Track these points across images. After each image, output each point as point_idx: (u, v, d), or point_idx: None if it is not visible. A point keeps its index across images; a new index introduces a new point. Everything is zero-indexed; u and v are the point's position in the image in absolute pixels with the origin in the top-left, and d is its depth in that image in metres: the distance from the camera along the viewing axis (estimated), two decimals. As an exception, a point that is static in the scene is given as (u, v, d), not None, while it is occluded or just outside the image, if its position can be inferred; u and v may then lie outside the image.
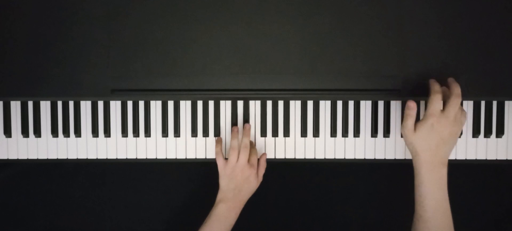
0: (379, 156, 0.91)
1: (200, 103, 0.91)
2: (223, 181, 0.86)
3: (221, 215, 0.84)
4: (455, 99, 0.77)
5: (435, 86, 0.79)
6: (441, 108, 0.78)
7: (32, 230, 1.03)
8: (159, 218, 1.03)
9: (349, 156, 0.91)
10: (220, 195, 0.86)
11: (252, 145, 0.88)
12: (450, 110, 0.77)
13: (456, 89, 0.78)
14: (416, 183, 0.80)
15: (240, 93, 0.85)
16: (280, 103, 0.91)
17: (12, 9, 0.84)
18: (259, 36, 0.84)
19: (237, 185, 0.85)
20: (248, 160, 0.86)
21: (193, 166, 1.02)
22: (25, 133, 0.91)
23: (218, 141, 0.89)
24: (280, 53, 0.84)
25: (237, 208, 0.86)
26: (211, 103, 0.91)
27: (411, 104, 0.80)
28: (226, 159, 0.87)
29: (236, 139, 0.87)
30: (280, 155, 0.91)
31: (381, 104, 0.91)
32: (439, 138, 0.78)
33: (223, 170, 0.86)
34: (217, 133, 0.91)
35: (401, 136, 0.88)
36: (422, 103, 0.89)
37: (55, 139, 0.91)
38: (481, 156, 0.91)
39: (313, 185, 1.03)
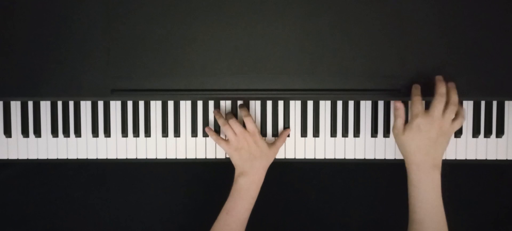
0: (379, 156, 0.91)
1: (200, 103, 0.91)
2: (234, 158, 0.87)
3: (241, 188, 0.84)
4: (438, 98, 0.79)
5: (415, 91, 0.81)
6: (423, 108, 0.80)
7: (32, 230, 1.03)
8: (159, 218, 1.03)
9: (349, 156, 0.91)
10: (237, 171, 0.86)
11: (246, 114, 0.87)
12: (434, 109, 0.78)
13: (440, 89, 0.79)
14: (409, 186, 0.80)
15: (240, 93, 0.85)
16: (280, 103, 0.91)
17: (12, 9, 0.84)
18: (259, 36, 0.84)
19: (248, 155, 0.85)
20: (247, 129, 0.86)
21: (193, 166, 1.02)
22: (25, 133, 0.91)
23: (209, 130, 0.90)
24: (280, 53, 0.84)
25: (257, 180, 0.85)
26: (211, 103, 0.91)
27: (398, 105, 0.81)
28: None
29: (221, 118, 0.88)
30: (280, 155, 0.91)
31: (381, 104, 0.91)
32: (428, 138, 0.78)
33: (229, 149, 0.87)
34: (217, 133, 0.91)
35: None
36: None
37: (55, 139, 0.91)
38: (481, 156, 0.91)
39: (313, 185, 1.03)
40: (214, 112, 0.90)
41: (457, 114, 0.81)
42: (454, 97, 0.80)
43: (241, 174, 0.85)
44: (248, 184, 0.84)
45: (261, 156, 0.86)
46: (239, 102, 0.90)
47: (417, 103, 0.80)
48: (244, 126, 0.87)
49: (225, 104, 0.91)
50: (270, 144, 0.88)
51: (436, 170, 0.79)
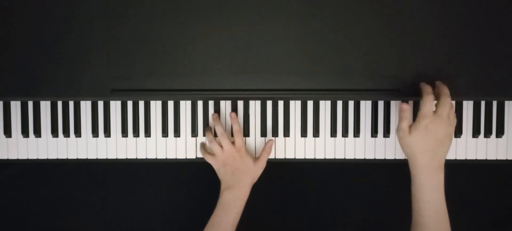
0: (379, 156, 0.91)
1: (200, 103, 0.91)
2: (220, 174, 0.87)
3: (226, 203, 0.84)
4: (446, 99, 0.78)
5: (427, 89, 0.80)
6: (433, 109, 0.79)
7: (32, 230, 1.03)
8: (159, 218, 1.03)
9: (349, 156, 0.91)
10: (223, 186, 0.86)
11: (237, 129, 0.88)
12: (442, 109, 0.78)
13: (445, 89, 0.79)
14: (413, 188, 0.79)
15: (240, 93, 0.85)
16: (280, 103, 0.91)
17: (12, 9, 0.84)
18: (259, 36, 0.84)
19: (234, 170, 0.85)
20: (235, 144, 0.86)
21: (193, 166, 1.02)
22: (25, 133, 0.91)
23: (201, 148, 0.90)
24: (280, 53, 0.84)
25: (242, 195, 0.85)
26: (211, 103, 0.91)
27: (405, 106, 0.80)
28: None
29: (210, 132, 0.89)
30: (280, 155, 0.91)
31: (381, 104, 0.91)
32: (435, 139, 0.78)
33: (215, 164, 0.87)
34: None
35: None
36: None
37: (55, 139, 0.91)
38: (481, 156, 0.91)
39: (313, 185, 1.03)
40: (213, 116, 0.90)
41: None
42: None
43: (226, 188, 0.85)
44: (233, 199, 0.85)
45: (246, 171, 0.86)
46: (232, 113, 0.89)
47: (429, 103, 0.78)
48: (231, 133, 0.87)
49: (225, 104, 0.91)
50: (255, 159, 0.88)
51: (440, 171, 0.79)
